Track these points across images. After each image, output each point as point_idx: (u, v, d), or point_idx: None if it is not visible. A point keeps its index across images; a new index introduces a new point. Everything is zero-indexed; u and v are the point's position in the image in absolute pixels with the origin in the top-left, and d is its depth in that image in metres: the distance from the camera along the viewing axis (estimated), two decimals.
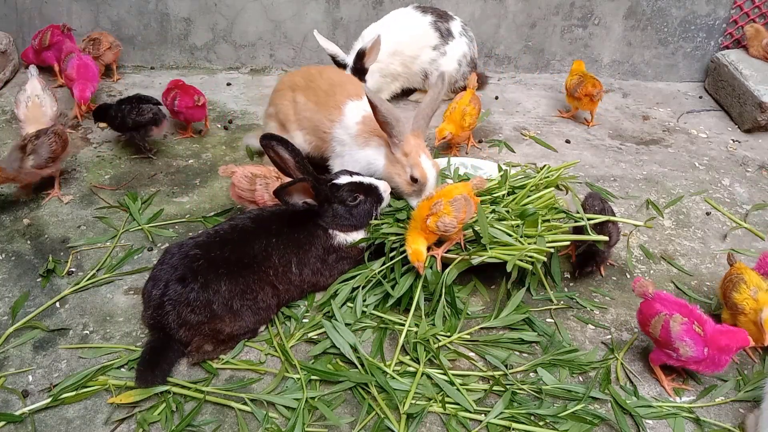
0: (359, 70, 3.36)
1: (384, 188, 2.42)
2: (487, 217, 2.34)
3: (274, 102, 2.96)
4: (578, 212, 2.50)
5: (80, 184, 3.06)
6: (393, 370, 2.08)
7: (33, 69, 3.38)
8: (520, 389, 2.03)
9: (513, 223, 2.40)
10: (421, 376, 2.05)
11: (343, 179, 2.37)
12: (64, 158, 2.95)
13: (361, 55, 3.33)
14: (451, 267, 2.31)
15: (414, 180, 2.49)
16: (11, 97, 3.81)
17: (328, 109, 2.72)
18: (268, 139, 2.27)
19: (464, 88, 3.99)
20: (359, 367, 2.08)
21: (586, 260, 2.51)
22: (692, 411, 2.01)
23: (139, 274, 2.49)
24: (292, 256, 2.27)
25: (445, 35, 3.74)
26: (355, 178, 2.38)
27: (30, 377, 2.06)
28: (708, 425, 1.98)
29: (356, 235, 2.41)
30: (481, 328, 2.28)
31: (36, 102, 3.20)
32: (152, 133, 3.23)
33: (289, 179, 2.30)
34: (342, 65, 3.48)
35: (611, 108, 4.05)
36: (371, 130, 2.61)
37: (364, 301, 2.31)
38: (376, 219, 2.44)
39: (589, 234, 2.41)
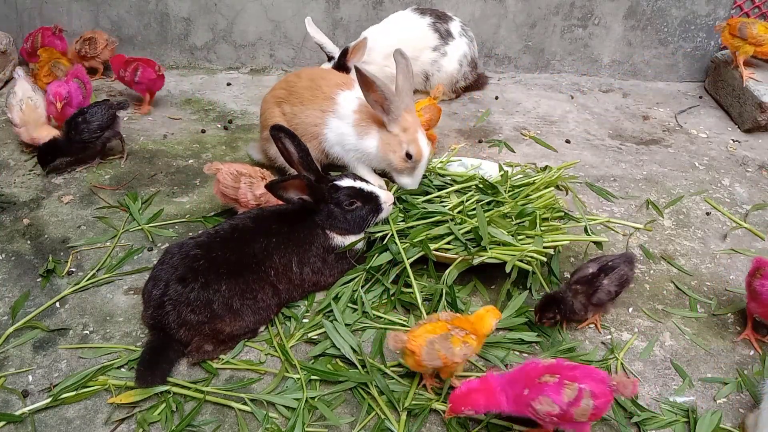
0: (343, 68, 3.40)
1: (385, 199, 2.40)
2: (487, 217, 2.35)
3: (266, 123, 2.91)
4: (578, 213, 2.50)
5: (80, 184, 3.06)
6: (393, 372, 2.08)
7: (20, 70, 3.32)
8: None
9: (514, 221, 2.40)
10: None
11: (345, 182, 2.36)
12: None
13: (345, 53, 3.37)
14: (451, 267, 2.31)
15: (409, 156, 2.52)
16: None
17: (317, 101, 2.73)
18: (277, 130, 2.31)
19: (466, 89, 4.01)
20: (359, 367, 2.08)
21: (546, 305, 2.20)
22: (693, 411, 2.01)
23: (139, 274, 2.49)
24: (292, 256, 2.27)
25: (445, 36, 3.75)
26: (357, 184, 2.37)
27: (30, 377, 2.06)
28: None
29: (352, 239, 2.41)
30: None
31: (30, 104, 3.15)
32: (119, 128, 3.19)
33: (293, 172, 2.34)
34: (329, 57, 3.52)
35: (611, 108, 4.05)
36: (368, 118, 2.62)
37: (362, 299, 2.32)
38: (371, 226, 2.42)
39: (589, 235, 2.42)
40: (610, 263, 2.27)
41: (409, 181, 2.62)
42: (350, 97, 2.71)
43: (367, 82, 2.45)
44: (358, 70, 2.45)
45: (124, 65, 3.67)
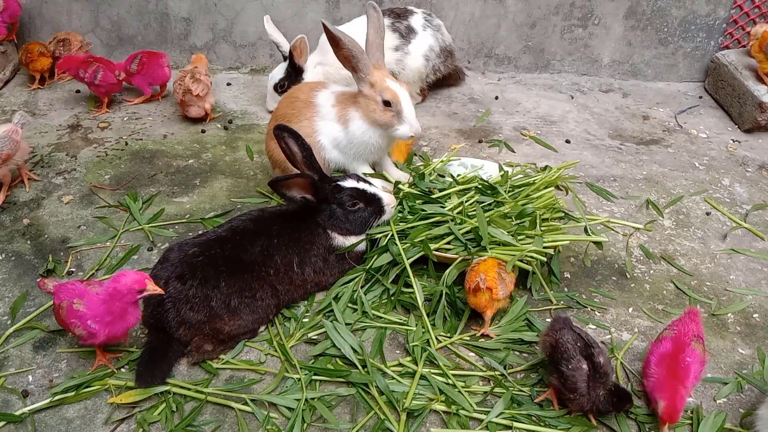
0: (295, 69, 3.46)
1: (387, 201, 2.40)
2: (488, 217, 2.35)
3: (272, 156, 2.87)
4: (578, 213, 2.50)
5: (80, 184, 3.06)
6: (394, 371, 2.08)
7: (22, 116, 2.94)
8: (519, 391, 2.03)
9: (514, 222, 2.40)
10: (421, 377, 2.04)
11: (348, 183, 2.36)
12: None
13: (291, 54, 3.42)
14: (451, 267, 2.31)
15: (387, 103, 2.50)
16: (11, 97, 3.82)
17: (300, 112, 2.69)
18: (281, 130, 2.31)
19: (441, 81, 3.93)
20: (359, 367, 2.08)
21: None
22: (695, 411, 2.01)
23: None
24: (293, 256, 2.27)
25: (406, 34, 3.66)
26: (361, 185, 2.37)
27: (30, 377, 2.06)
28: None
29: (353, 240, 2.41)
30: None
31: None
32: None
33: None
34: (285, 57, 3.55)
35: (611, 108, 4.05)
36: (345, 105, 2.62)
37: (362, 299, 2.32)
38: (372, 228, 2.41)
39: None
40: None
41: (407, 128, 2.55)
42: (326, 94, 2.69)
43: (334, 40, 2.45)
44: (324, 26, 2.44)
45: (84, 65, 3.56)
